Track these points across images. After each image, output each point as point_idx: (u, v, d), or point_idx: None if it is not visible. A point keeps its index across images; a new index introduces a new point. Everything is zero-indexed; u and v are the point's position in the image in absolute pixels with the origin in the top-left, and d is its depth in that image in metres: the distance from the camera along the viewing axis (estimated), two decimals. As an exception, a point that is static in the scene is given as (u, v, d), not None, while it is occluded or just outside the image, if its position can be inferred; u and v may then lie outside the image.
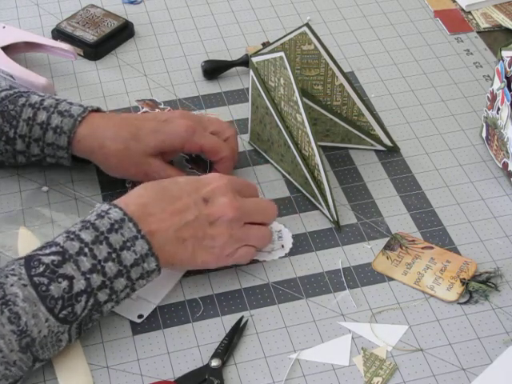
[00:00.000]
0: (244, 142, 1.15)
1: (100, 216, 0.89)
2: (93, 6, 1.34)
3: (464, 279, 0.98)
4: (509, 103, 1.04)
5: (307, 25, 1.06)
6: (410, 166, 1.12)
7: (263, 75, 1.06)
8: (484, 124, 1.13)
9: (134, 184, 1.02)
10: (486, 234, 1.04)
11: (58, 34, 1.30)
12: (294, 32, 1.06)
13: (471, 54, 1.29)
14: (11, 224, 1.04)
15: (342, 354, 0.91)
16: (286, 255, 1.01)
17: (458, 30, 1.34)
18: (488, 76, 1.25)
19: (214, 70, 1.25)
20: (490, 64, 1.27)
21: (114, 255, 0.88)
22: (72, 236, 0.88)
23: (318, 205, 1.06)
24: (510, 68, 1.05)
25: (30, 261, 0.86)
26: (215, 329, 0.94)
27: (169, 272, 0.98)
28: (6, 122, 1.03)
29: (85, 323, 0.88)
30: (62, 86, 1.23)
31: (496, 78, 1.08)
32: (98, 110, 1.06)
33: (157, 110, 1.19)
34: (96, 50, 1.28)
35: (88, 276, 0.86)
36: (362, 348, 0.92)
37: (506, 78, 1.05)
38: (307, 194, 1.07)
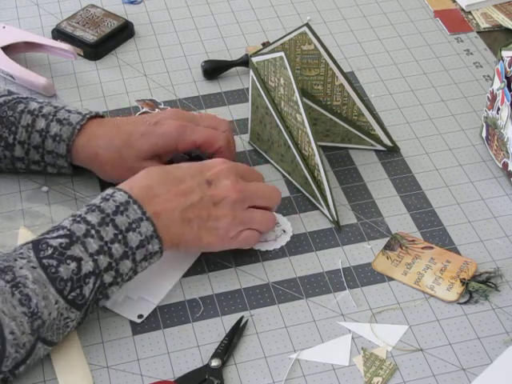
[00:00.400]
0: (244, 142, 1.15)
1: (105, 199, 0.91)
2: (93, 6, 1.34)
3: (464, 279, 0.98)
4: (509, 103, 1.04)
5: (307, 25, 1.06)
6: (410, 165, 1.12)
7: (263, 75, 1.06)
8: (484, 124, 1.13)
9: None
10: (486, 233, 1.04)
11: (58, 34, 1.30)
12: (293, 32, 1.06)
13: (471, 54, 1.29)
14: (11, 224, 1.04)
15: (342, 354, 0.91)
16: (286, 255, 1.01)
17: (458, 30, 1.34)
18: (488, 76, 1.25)
19: (214, 69, 1.25)
20: (490, 64, 1.27)
21: (120, 236, 0.89)
22: (78, 219, 0.89)
23: (318, 205, 1.06)
24: (510, 68, 1.05)
25: (37, 244, 0.87)
26: (215, 329, 0.94)
27: (169, 272, 0.98)
28: (5, 128, 1.04)
29: (91, 308, 0.89)
30: (62, 85, 1.23)
31: (496, 78, 1.08)
32: (96, 115, 1.06)
33: (157, 110, 1.19)
34: (96, 50, 1.28)
35: (96, 257, 0.88)
36: (362, 348, 0.92)
37: (506, 77, 1.05)
38: (307, 194, 1.07)
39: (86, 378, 0.89)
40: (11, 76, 1.22)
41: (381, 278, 0.99)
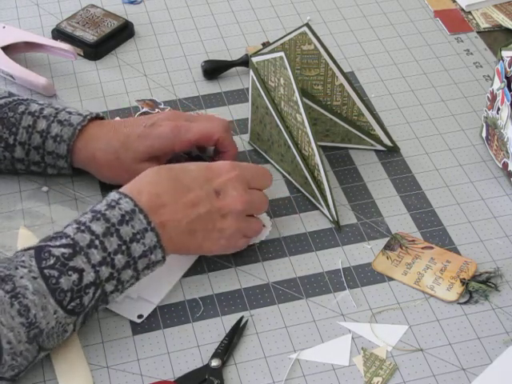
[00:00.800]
0: (244, 142, 1.15)
1: (111, 206, 0.90)
2: (93, 6, 1.34)
3: (464, 279, 0.98)
4: (509, 103, 1.04)
5: (307, 25, 1.06)
6: (410, 165, 1.12)
7: (263, 75, 1.06)
8: (484, 124, 1.13)
9: None
10: (486, 234, 1.04)
11: (58, 34, 1.29)
12: (294, 32, 1.06)
13: (471, 54, 1.29)
14: (11, 224, 1.04)
15: (342, 354, 0.91)
16: (286, 255, 1.01)
17: (458, 30, 1.34)
18: (488, 76, 1.25)
19: (214, 69, 1.25)
20: (490, 64, 1.27)
21: (123, 247, 0.88)
22: (83, 228, 0.88)
23: (318, 205, 1.06)
24: (510, 68, 1.05)
25: (40, 252, 0.87)
26: (215, 329, 0.94)
27: (169, 272, 0.98)
28: (6, 129, 1.04)
29: (90, 314, 0.89)
30: (62, 85, 1.23)
31: (496, 78, 1.08)
32: (97, 116, 1.06)
33: (157, 110, 1.19)
34: (96, 50, 1.28)
35: (98, 268, 0.87)
36: (362, 348, 0.92)
37: (506, 77, 1.05)
38: (307, 194, 1.07)
39: (86, 378, 0.89)
40: (11, 76, 1.22)
41: (381, 277, 0.99)
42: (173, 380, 0.89)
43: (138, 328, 0.94)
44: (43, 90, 1.20)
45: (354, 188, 1.09)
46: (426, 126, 1.18)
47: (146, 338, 0.93)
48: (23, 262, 0.86)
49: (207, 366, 0.90)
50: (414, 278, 0.98)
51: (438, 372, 0.90)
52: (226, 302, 0.96)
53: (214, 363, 0.90)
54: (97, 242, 0.88)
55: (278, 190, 1.09)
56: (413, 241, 1.02)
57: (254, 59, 1.06)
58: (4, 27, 1.27)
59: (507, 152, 1.07)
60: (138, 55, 1.29)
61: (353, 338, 0.93)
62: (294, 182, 1.09)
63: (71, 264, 0.86)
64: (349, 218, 1.05)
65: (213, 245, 0.95)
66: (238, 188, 0.96)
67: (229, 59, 1.27)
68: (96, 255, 0.87)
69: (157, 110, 1.19)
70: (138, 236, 0.89)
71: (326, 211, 1.05)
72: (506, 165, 1.08)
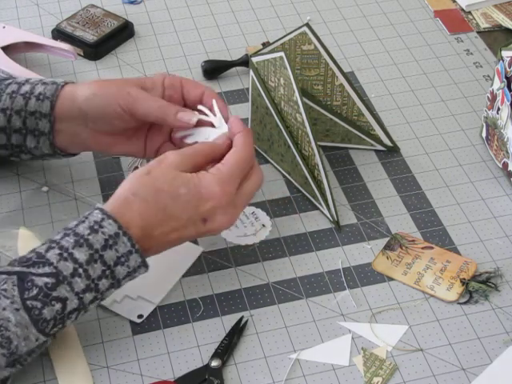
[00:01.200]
0: (244, 142, 1.15)
1: (94, 230, 0.87)
2: (93, 6, 1.34)
3: (464, 279, 0.98)
4: (509, 103, 1.04)
5: (307, 25, 1.06)
6: (409, 165, 1.12)
7: (263, 75, 1.06)
8: (484, 124, 1.13)
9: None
10: (486, 233, 1.04)
11: (58, 34, 1.30)
12: (294, 32, 1.06)
13: (471, 54, 1.29)
14: (11, 224, 1.04)
15: (342, 354, 0.91)
16: (286, 255, 1.01)
17: (458, 30, 1.34)
18: (488, 76, 1.25)
19: (214, 69, 1.25)
20: (490, 64, 1.27)
21: (107, 272, 0.87)
22: (65, 255, 0.85)
23: (318, 205, 1.06)
24: (510, 68, 1.05)
25: (23, 281, 0.84)
26: (215, 329, 0.94)
27: (169, 272, 0.98)
28: None
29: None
30: (62, 85, 1.23)
31: (496, 78, 1.08)
32: None
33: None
34: (96, 50, 1.28)
35: (81, 296, 0.85)
36: (362, 348, 0.92)
37: (506, 78, 1.05)
38: (307, 194, 1.07)
39: (86, 378, 0.89)
40: (14, 77, 1.22)
41: (381, 277, 0.99)
42: (173, 380, 0.89)
43: (138, 328, 0.94)
44: (43, 89, 1.20)
45: (354, 188, 1.09)
46: (426, 126, 1.18)
47: (146, 338, 0.93)
48: (5, 290, 0.83)
49: (207, 366, 0.90)
50: (414, 278, 0.98)
51: (438, 372, 0.90)
52: (226, 302, 0.96)
53: (214, 363, 0.90)
54: (80, 271, 0.85)
55: (278, 189, 1.09)
56: (413, 241, 1.02)
57: (254, 59, 1.06)
58: (4, 27, 1.27)
59: (507, 152, 1.07)
60: (138, 55, 1.29)
61: (353, 338, 0.93)
62: (294, 181, 1.09)
63: (54, 294, 0.84)
64: (349, 218, 1.05)
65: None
66: (228, 211, 0.91)
67: (229, 59, 1.27)
68: (80, 283, 0.85)
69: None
70: (123, 259, 0.87)
71: (326, 211, 1.05)
72: (506, 165, 1.08)
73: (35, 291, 0.84)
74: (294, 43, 1.07)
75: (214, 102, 0.99)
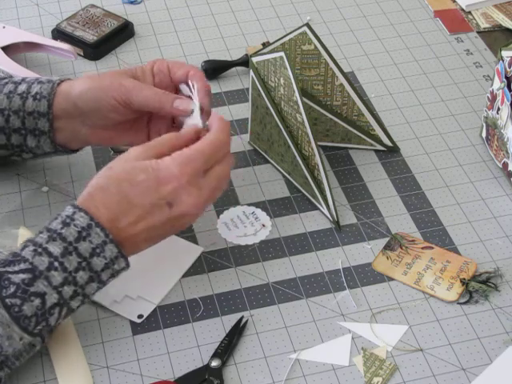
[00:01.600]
0: (244, 142, 1.15)
1: (66, 224, 0.87)
2: (93, 6, 1.34)
3: (464, 279, 0.98)
4: (509, 103, 1.04)
5: (307, 25, 1.06)
6: (409, 165, 1.12)
7: (263, 75, 1.06)
8: (484, 124, 1.13)
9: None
10: (486, 233, 1.04)
11: (58, 34, 1.30)
12: (293, 32, 1.07)
13: (471, 54, 1.29)
14: (11, 224, 1.04)
15: (342, 354, 0.91)
16: (286, 255, 1.01)
17: (458, 29, 1.34)
18: (488, 76, 1.25)
19: (214, 69, 1.25)
20: (490, 64, 1.27)
21: (84, 264, 0.86)
22: (40, 250, 0.85)
23: (318, 205, 1.06)
24: (510, 68, 1.05)
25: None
26: (215, 329, 0.94)
27: (169, 272, 0.98)
28: None
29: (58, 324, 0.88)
30: (62, 85, 1.23)
31: (496, 78, 1.08)
32: None
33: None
34: (96, 50, 1.28)
35: (60, 289, 0.85)
36: (362, 348, 0.92)
37: (506, 77, 1.05)
38: (307, 194, 1.07)
39: (86, 378, 0.89)
40: (11, 76, 1.22)
41: (381, 277, 0.99)
42: (173, 380, 0.89)
43: (138, 328, 0.94)
44: (43, 89, 1.20)
45: (354, 188, 1.09)
46: (426, 126, 1.18)
47: (146, 338, 0.93)
48: None
49: (207, 366, 0.90)
50: (413, 278, 0.98)
51: (438, 372, 0.90)
52: (226, 302, 0.96)
53: (214, 363, 0.90)
54: (56, 264, 0.85)
55: (278, 190, 1.09)
56: (413, 241, 1.02)
57: (254, 59, 1.06)
58: (4, 27, 1.27)
59: (507, 152, 1.07)
60: (138, 55, 1.29)
61: (353, 338, 0.93)
62: (294, 181, 1.09)
63: (32, 290, 0.84)
64: (349, 218, 1.05)
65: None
66: (192, 191, 0.89)
67: (229, 59, 1.27)
68: (57, 277, 0.85)
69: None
70: (98, 250, 0.86)
71: (325, 211, 1.05)
72: (505, 165, 1.08)
73: (13, 289, 0.83)
74: (294, 43, 1.07)
75: (189, 82, 0.99)
